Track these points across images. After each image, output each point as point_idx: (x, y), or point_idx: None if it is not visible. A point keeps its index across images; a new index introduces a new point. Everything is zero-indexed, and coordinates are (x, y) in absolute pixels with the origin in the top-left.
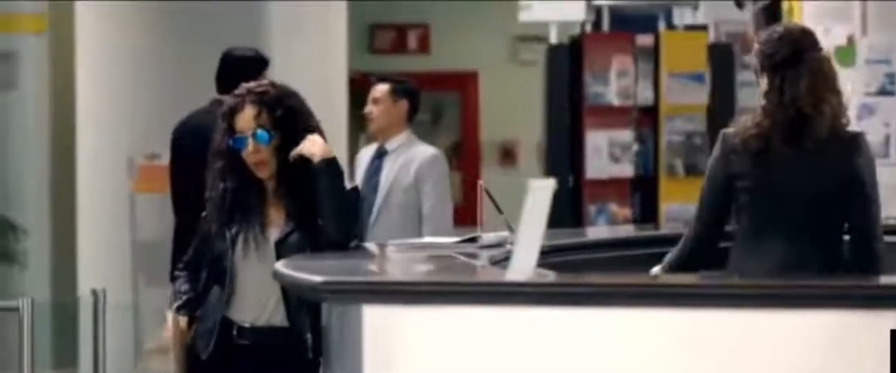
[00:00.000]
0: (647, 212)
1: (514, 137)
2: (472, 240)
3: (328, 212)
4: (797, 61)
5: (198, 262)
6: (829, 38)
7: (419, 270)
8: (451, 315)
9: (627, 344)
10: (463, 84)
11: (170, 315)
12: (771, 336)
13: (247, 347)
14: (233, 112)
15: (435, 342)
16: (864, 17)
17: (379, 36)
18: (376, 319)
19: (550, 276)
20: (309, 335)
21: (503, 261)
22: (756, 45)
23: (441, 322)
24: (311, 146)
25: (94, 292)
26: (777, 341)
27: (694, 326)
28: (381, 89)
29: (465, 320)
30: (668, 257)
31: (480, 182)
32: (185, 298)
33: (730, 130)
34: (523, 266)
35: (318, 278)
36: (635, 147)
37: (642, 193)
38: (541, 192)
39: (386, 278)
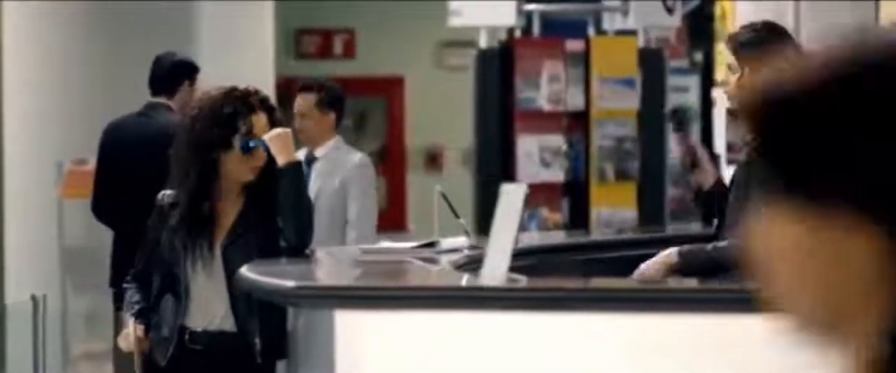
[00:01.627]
0: (578, 217)
1: (440, 143)
2: (430, 245)
3: (288, 216)
4: None
5: (147, 271)
6: None
7: (390, 275)
8: (424, 320)
9: (601, 348)
10: (389, 89)
11: (131, 323)
12: (748, 339)
13: (200, 352)
14: (246, 115)
15: (406, 348)
16: (797, 20)
17: (304, 41)
18: (348, 324)
19: (523, 280)
20: (257, 340)
21: (465, 265)
22: (766, 37)
23: (413, 327)
24: (279, 147)
25: (34, 298)
26: (754, 343)
27: (668, 330)
28: (305, 104)
29: (437, 326)
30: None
31: (438, 188)
32: (138, 308)
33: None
34: (496, 271)
35: (290, 283)
36: (564, 147)
37: (573, 197)
38: (513, 195)
39: (358, 283)
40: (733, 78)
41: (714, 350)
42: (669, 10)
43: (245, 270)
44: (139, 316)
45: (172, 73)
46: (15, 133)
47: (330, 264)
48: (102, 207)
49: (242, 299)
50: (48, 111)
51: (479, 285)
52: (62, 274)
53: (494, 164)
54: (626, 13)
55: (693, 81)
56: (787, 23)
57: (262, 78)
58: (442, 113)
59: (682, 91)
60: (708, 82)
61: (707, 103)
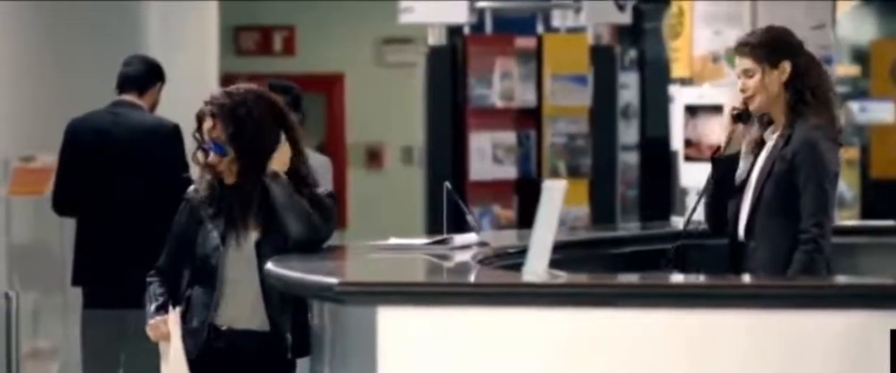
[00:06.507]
0: (530, 214)
1: (380, 140)
2: (442, 242)
3: (286, 217)
4: None
5: (173, 264)
6: (721, 41)
7: (431, 271)
8: (466, 317)
9: (644, 344)
10: (328, 86)
11: (173, 314)
12: (780, 337)
13: (224, 348)
14: (200, 119)
15: (449, 344)
16: (754, 19)
17: (244, 38)
18: (391, 320)
19: (563, 277)
20: (289, 336)
21: (486, 261)
22: (777, 36)
23: (456, 324)
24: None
25: (7, 295)
26: (784, 341)
27: (705, 326)
28: None
29: (480, 322)
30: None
31: (446, 184)
32: (162, 300)
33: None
34: (537, 267)
35: (334, 280)
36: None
37: (525, 194)
38: (553, 193)
39: (402, 280)
40: (753, 80)
41: (758, 348)
42: (621, 8)
43: (281, 268)
44: (163, 307)
45: (148, 73)
46: None
47: (366, 261)
48: (65, 203)
49: (275, 296)
50: None
51: (523, 281)
52: (9, 273)
53: (446, 161)
54: (578, 10)
55: (631, 78)
56: (744, 21)
57: (205, 75)
58: (383, 110)
59: (622, 88)
60: (646, 79)
61: (645, 100)
